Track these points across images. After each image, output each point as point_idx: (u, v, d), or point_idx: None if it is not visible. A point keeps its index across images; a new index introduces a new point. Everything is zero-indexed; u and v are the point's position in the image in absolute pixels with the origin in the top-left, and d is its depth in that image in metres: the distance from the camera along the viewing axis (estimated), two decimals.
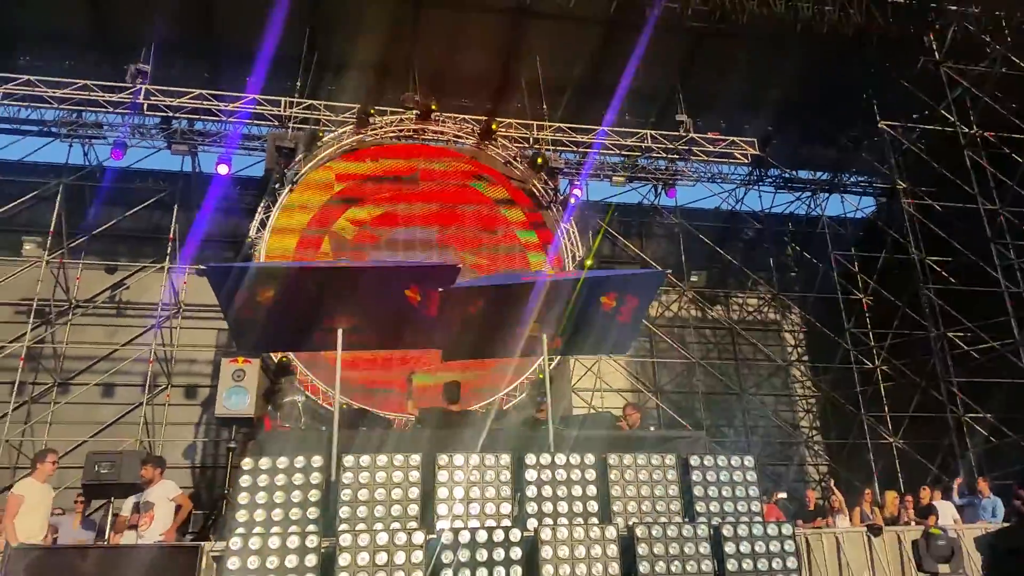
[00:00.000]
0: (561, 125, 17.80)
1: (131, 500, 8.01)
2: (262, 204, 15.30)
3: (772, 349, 19.80)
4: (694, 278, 19.81)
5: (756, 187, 20.44)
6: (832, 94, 18.06)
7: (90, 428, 15.41)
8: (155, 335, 15.87)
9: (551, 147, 17.62)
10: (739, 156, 18.35)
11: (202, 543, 5.17)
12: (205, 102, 16.02)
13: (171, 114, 16.19)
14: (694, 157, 18.42)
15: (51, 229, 15.97)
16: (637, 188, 19.58)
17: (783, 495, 10.80)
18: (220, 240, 16.56)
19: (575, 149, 18.21)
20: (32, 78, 15.34)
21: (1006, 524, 9.73)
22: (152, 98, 15.72)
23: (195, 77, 16.84)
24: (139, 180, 17.68)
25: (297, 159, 15.84)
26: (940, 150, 17.34)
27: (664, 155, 18.37)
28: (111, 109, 15.93)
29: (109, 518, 7.60)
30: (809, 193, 20.82)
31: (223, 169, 16.24)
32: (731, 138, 18.25)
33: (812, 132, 19.65)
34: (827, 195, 20.88)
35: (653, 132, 18.05)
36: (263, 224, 14.98)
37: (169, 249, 16.43)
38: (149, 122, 16.83)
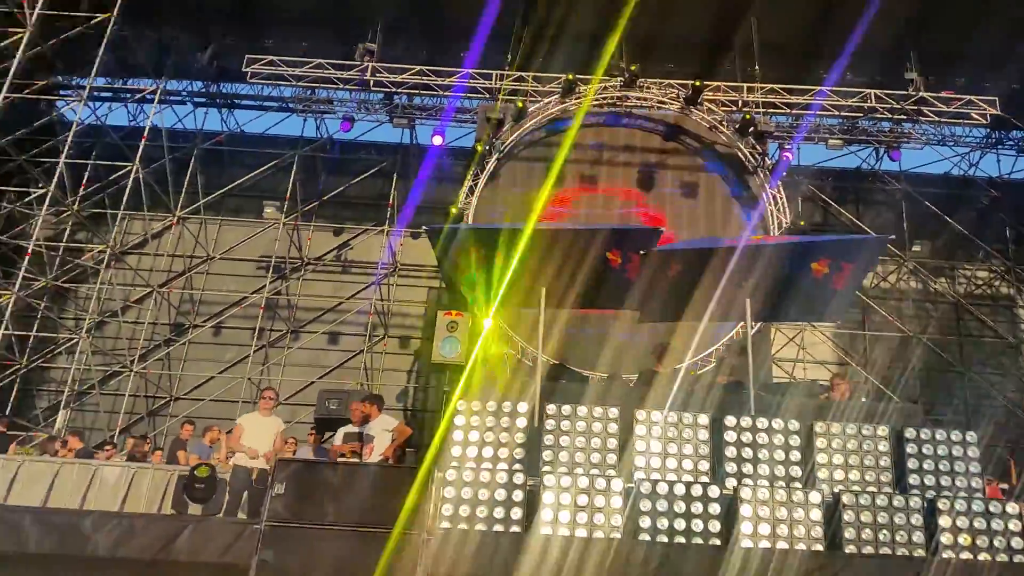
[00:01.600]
0: (773, 87, 16.98)
1: (341, 431, 8.82)
2: (471, 172, 16.00)
3: (1001, 326, 17.98)
4: (916, 248, 18.36)
5: (994, 150, 18.45)
6: None
7: (317, 371, 17.45)
8: (375, 291, 17.42)
9: (761, 110, 16.88)
10: (976, 116, 16.62)
11: (435, 468, 5.70)
12: (424, 78, 16.92)
13: (394, 90, 17.27)
14: (923, 118, 16.91)
15: (287, 195, 17.82)
16: (856, 152, 18.35)
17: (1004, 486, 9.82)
18: (433, 207, 17.59)
19: (788, 111, 17.36)
20: (276, 58, 16.88)
21: None
22: (377, 75, 16.83)
23: (415, 54, 17.78)
24: (363, 151, 19.19)
25: (504, 129, 16.36)
26: None
27: (889, 116, 17.02)
28: (341, 86, 17.26)
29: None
30: None
31: (437, 140, 17.29)
32: (968, 97, 16.56)
33: None
34: None
35: (878, 92, 16.77)
36: (471, 191, 15.71)
37: (389, 214, 17.79)
38: (373, 98, 18.07)
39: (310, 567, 5.06)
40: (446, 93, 17.39)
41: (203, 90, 19.15)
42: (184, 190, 17.93)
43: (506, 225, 12.76)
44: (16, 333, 15.49)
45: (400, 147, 19.01)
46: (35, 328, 16.80)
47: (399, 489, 5.42)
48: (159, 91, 17.75)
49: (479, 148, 16.11)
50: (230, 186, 18.32)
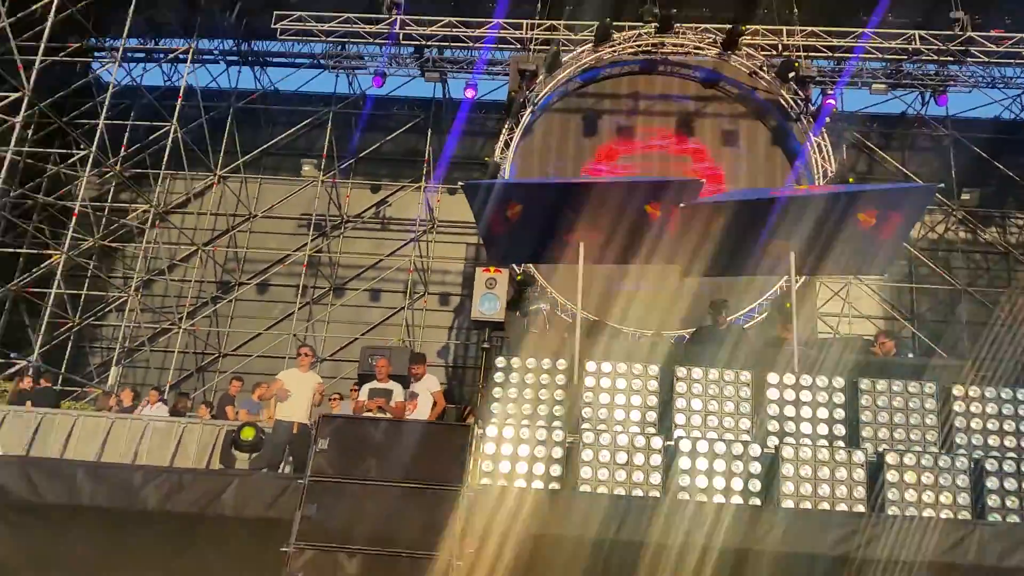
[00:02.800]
0: (815, 29, 16.40)
1: (366, 387, 8.81)
2: (506, 126, 15.81)
3: None
4: (965, 196, 17.76)
5: None
6: None
7: (359, 327, 17.73)
8: (413, 248, 17.53)
9: (801, 54, 16.33)
10: None
11: (474, 424, 5.73)
12: (454, 30, 16.66)
13: (424, 43, 17.05)
14: (971, 59, 16.24)
15: (324, 153, 17.88)
16: (901, 96, 17.74)
17: None
18: (467, 161, 17.57)
19: (830, 55, 16.77)
20: (303, 14, 16.72)
21: None
22: (406, 28, 16.61)
23: (443, 6, 17.38)
24: (396, 107, 19.15)
25: (538, 80, 16.09)
26: None
27: (935, 58, 16.37)
28: (371, 40, 17.06)
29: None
30: None
31: (470, 93, 17.07)
32: (1019, 35, 15.84)
33: None
34: None
35: (922, 33, 16.12)
36: (507, 145, 15.54)
37: (424, 170, 17.77)
38: (404, 52, 17.87)
39: (353, 522, 5.13)
40: (477, 45, 17.10)
41: (234, 48, 19.12)
42: (222, 149, 18.09)
43: (544, 180, 12.70)
44: (68, 292, 16.01)
45: (433, 101, 18.87)
46: (85, 287, 17.24)
47: (443, 446, 5.45)
48: (191, 50, 17.76)
49: (513, 100, 15.88)
50: (267, 144, 18.45)
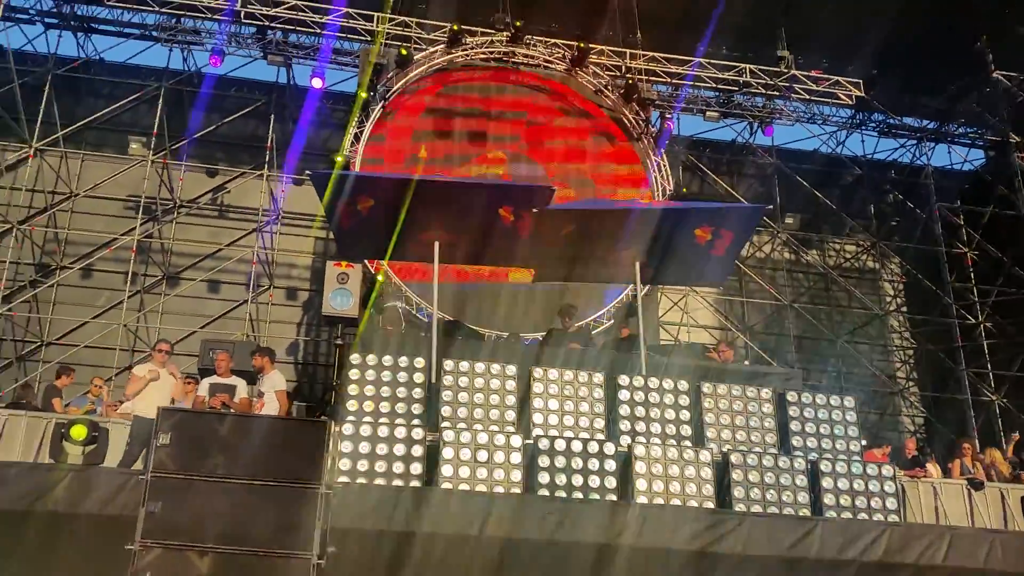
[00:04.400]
0: (655, 55, 17.20)
1: (205, 382, 8.38)
2: (355, 119, 15.36)
3: (868, 298, 19.14)
4: (788, 220, 19.23)
5: (859, 131, 19.53)
6: (942, 39, 16.94)
7: (198, 320, 16.33)
8: (257, 238, 16.51)
9: (644, 77, 17.08)
10: (843, 97, 17.54)
11: (330, 420, 5.42)
12: (300, 13, 16.01)
13: (267, 24, 16.25)
14: (794, 96, 17.66)
15: (154, 130, 16.50)
16: (731, 125, 18.96)
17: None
18: (313, 152, 16.76)
19: (668, 80, 17.61)
20: None
21: None
22: (248, 6, 15.78)
23: None
24: (236, 88, 17.97)
25: (388, 75, 15.80)
26: None
27: (762, 91, 17.65)
28: (209, 15, 16.05)
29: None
30: (914, 141, 19.81)
31: (317, 83, 16.37)
32: (835, 78, 17.42)
33: (919, 78, 18.54)
34: (933, 144, 19.80)
35: (752, 67, 17.34)
36: (356, 138, 15.09)
37: (267, 157, 16.82)
38: (245, 31, 16.93)
39: (202, 519, 4.73)
40: (323, 32, 16.52)
41: (54, 10, 17.31)
42: (39, 119, 16.15)
43: (396, 175, 12.42)
44: None
45: (275, 86, 17.92)
46: None
47: (295, 443, 5.11)
48: (1, 5, 15.86)
49: (362, 94, 15.47)
50: (91, 117, 16.69)
